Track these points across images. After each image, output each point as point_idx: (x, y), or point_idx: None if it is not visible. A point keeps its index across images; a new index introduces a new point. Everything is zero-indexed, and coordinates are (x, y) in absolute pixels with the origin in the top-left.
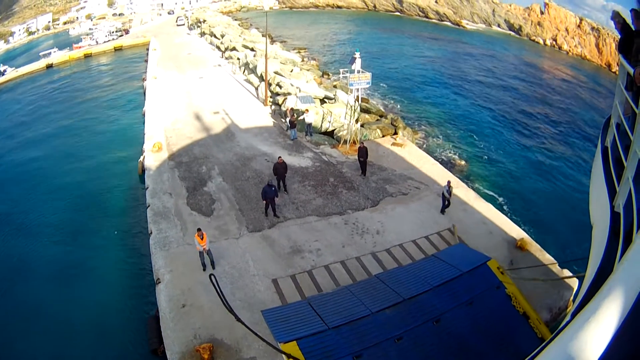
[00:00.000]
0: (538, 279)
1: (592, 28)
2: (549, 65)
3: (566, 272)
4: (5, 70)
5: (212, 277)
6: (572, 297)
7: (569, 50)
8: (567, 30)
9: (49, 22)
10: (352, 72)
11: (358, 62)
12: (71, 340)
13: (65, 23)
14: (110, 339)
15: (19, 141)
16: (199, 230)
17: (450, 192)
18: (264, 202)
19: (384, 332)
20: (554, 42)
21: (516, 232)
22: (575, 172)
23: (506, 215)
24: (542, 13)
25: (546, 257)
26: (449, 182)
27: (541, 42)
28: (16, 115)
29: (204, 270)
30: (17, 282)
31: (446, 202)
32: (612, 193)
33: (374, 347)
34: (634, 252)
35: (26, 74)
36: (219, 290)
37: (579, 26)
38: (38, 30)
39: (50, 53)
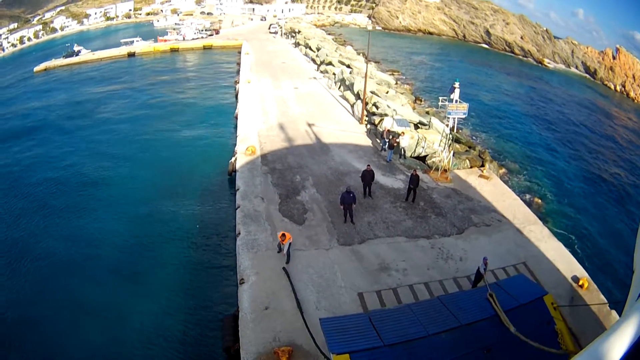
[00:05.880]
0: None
1: None
2: (616, 111)
3: (614, 312)
4: (80, 51)
5: (284, 269)
6: None
7: (635, 98)
8: (634, 77)
9: (130, 10)
10: (450, 101)
11: (457, 91)
12: (142, 332)
13: (148, 14)
14: (183, 334)
15: (110, 127)
16: (283, 234)
17: (485, 270)
18: (342, 207)
19: (436, 356)
20: (623, 89)
21: (579, 271)
22: None
23: (574, 255)
24: (614, 58)
25: (600, 298)
26: (485, 259)
27: (612, 87)
28: (101, 101)
29: (278, 252)
30: (93, 266)
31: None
32: None
33: None
34: None
35: (105, 58)
36: (290, 281)
37: None
38: (117, 16)
39: (132, 42)
